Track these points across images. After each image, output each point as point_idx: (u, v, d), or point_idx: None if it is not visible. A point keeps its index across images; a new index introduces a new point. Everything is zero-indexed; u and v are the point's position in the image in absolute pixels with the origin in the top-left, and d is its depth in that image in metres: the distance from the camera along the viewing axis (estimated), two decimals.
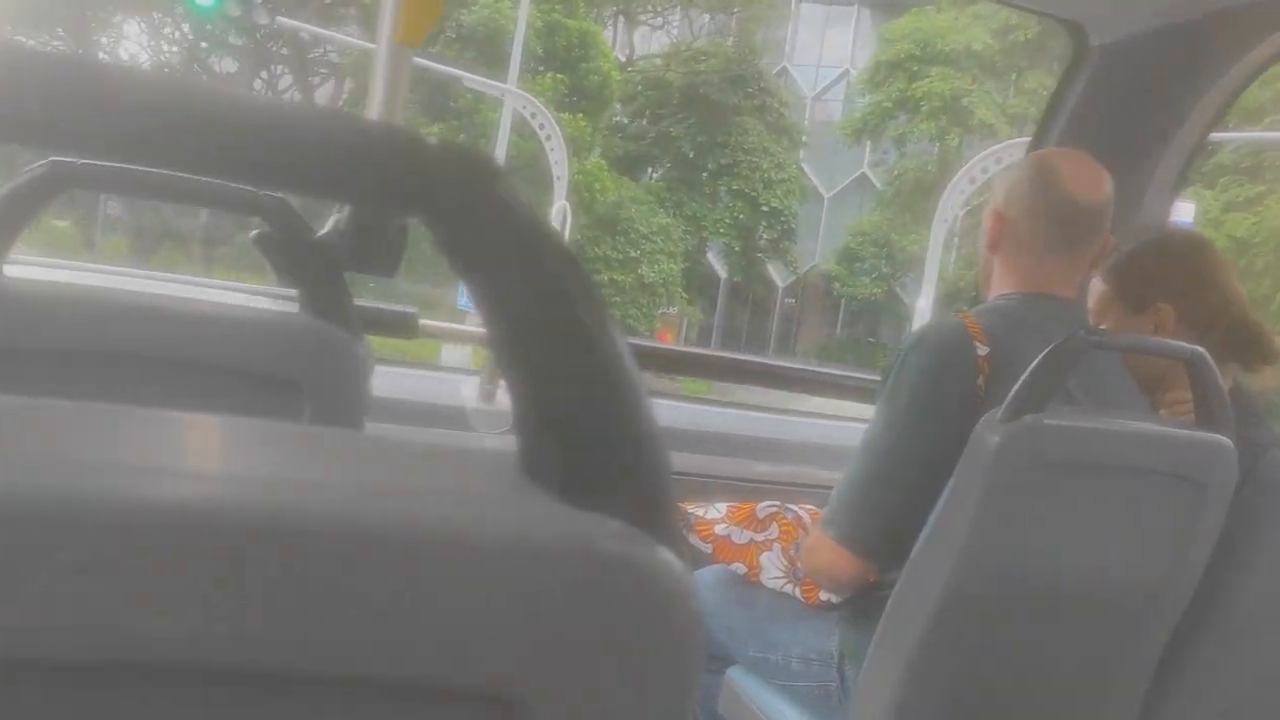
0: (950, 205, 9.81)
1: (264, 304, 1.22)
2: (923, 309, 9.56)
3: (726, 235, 20.64)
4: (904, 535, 1.28)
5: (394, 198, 0.38)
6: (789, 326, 23.74)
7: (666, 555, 0.38)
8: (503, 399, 1.90)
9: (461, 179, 0.38)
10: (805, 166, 22.35)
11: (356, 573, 0.35)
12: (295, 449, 0.45)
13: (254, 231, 1.24)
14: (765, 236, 21.06)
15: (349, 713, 0.37)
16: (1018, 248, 1.38)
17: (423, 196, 0.37)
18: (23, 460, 0.35)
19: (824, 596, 1.44)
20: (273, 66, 19.56)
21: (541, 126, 13.51)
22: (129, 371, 1.04)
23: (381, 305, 1.81)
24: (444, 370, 1.99)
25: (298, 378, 1.07)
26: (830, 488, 1.40)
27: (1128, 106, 1.94)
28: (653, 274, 18.58)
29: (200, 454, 0.42)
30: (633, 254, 18.43)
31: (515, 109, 14.31)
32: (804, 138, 22.18)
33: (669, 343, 18.54)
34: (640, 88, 21.11)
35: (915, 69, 19.43)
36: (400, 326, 1.80)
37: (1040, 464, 1.26)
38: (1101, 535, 1.33)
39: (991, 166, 9.92)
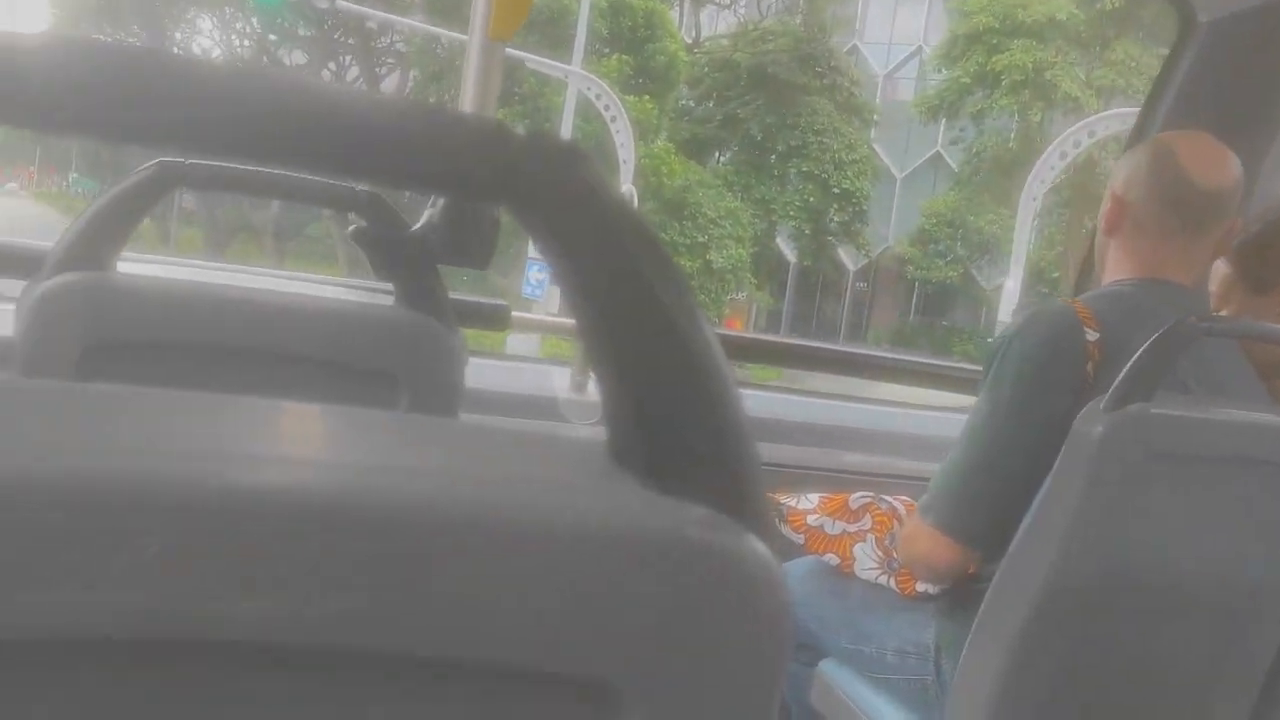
0: (1039, 182, 9.52)
1: (361, 298, 1.26)
2: (1010, 290, 9.34)
3: (796, 219, 20.44)
4: (1005, 525, 1.27)
5: (483, 188, 0.40)
6: (860, 311, 23.48)
7: (755, 543, 0.38)
8: (594, 390, 1.92)
9: (548, 168, 0.38)
10: (876, 147, 22.03)
11: (450, 557, 0.36)
12: (389, 436, 0.46)
13: (351, 227, 1.28)
14: (836, 219, 20.81)
15: (442, 695, 0.38)
16: (1135, 232, 1.36)
17: (510, 186, 0.38)
18: (124, 445, 0.37)
19: (920, 588, 1.44)
20: (341, 57, 19.87)
21: (607, 108, 13.50)
22: (231, 364, 1.07)
23: (473, 298, 1.85)
24: (515, 360, 2.01)
25: (394, 369, 1.10)
26: (924, 479, 1.40)
27: (1238, 84, 1.89)
28: (721, 259, 18.49)
29: (298, 441, 0.43)
30: (700, 239, 18.35)
31: (580, 91, 14.32)
32: (875, 117, 21.87)
33: (738, 329, 18.49)
34: (707, 70, 20.99)
35: (995, 42, 18.86)
36: (492, 318, 1.83)
37: (1147, 454, 1.24)
38: (1210, 529, 1.30)
39: (1084, 140, 9.62)
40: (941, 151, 22.59)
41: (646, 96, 17.71)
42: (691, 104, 21.19)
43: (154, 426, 0.41)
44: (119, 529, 0.33)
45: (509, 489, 0.38)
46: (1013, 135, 19.83)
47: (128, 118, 0.35)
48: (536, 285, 12.93)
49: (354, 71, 19.90)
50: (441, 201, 1.30)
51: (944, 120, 21.10)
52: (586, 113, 15.37)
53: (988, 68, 18.96)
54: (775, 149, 20.22)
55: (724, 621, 0.38)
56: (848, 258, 22.84)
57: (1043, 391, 1.28)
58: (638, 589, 0.37)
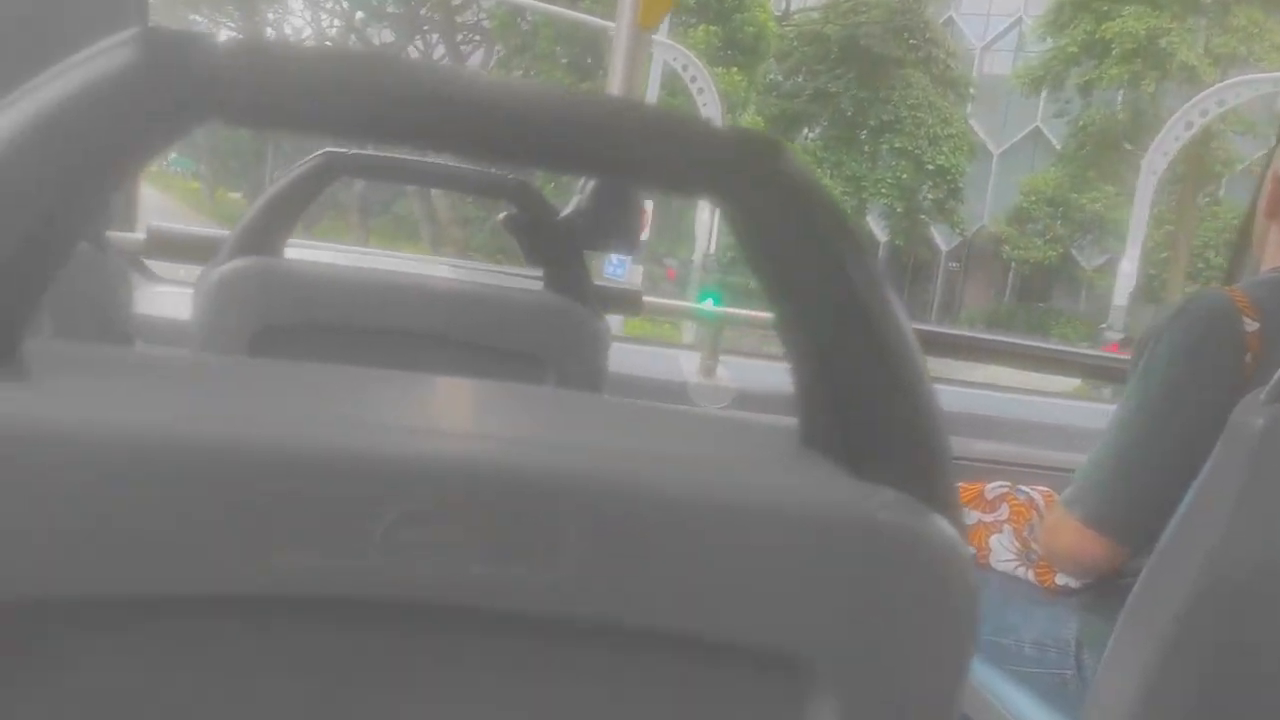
0: (1160, 154, 9.09)
1: (509, 282, 1.30)
2: (1126, 272, 8.98)
3: (888, 196, 20.11)
4: (1156, 519, 1.25)
5: (686, 182, 0.41)
6: (952, 292, 23.04)
7: (943, 525, 0.40)
8: (723, 375, 1.93)
9: (749, 161, 0.40)
10: (972, 122, 21.54)
11: (658, 532, 0.39)
12: (592, 416, 0.50)
13: (502, 214, 1.32)
14: (929, 197, 20.43)
15: (644, 663, 0.41)
16: None
17: (713, 179, 0.40)
18: (366, 420, 0.40)
19: (1060, 581, 1.42)
20: (427, 35, 20.12)
21: (694, 79, 13.38)
22: (390, 346, 1.13)
23: (608, 283, 1.88)
24: (638, 343, 2.04)
25: (541, 353, 1.15)
26: (1060, 469, 1.38)
27: None
28: None
29: (515, 418, 0.46)
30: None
31: (666, 61, 14.22)
32: (972, 91, 21.36)
33: None
34: (796, 43, 20.71)
35: (1105, 8, 18.10)
36: (625, 303, 1.86)
37: None
38: None
39: (1211, 108, 9.18)
40: (1041, 126, 21.99)
41: (734, 69, 17.56)
42: (780, 78, 20.95)
43: (378, 403, 0.44)
44: (364, 497, 0.36)
45: (712, 469, 0.40)
46: (1119, 107, 19.13)
47: (380, 120, 0.38)
48: (618, 264, 12.97)
49: (440, 50, 20.12)
50: (590, 188, 1.34)
51: (1045, 94, 20.50)
52: (672, 85, 15.28)
53: (1096, 36, 18.21)
54: (867, 124, 19.90)
55: (913, 601, 0.40)
56: (940, 237, 22.41)
57: (1197, 383, 1.25)
58: (831, 568, 0.39)
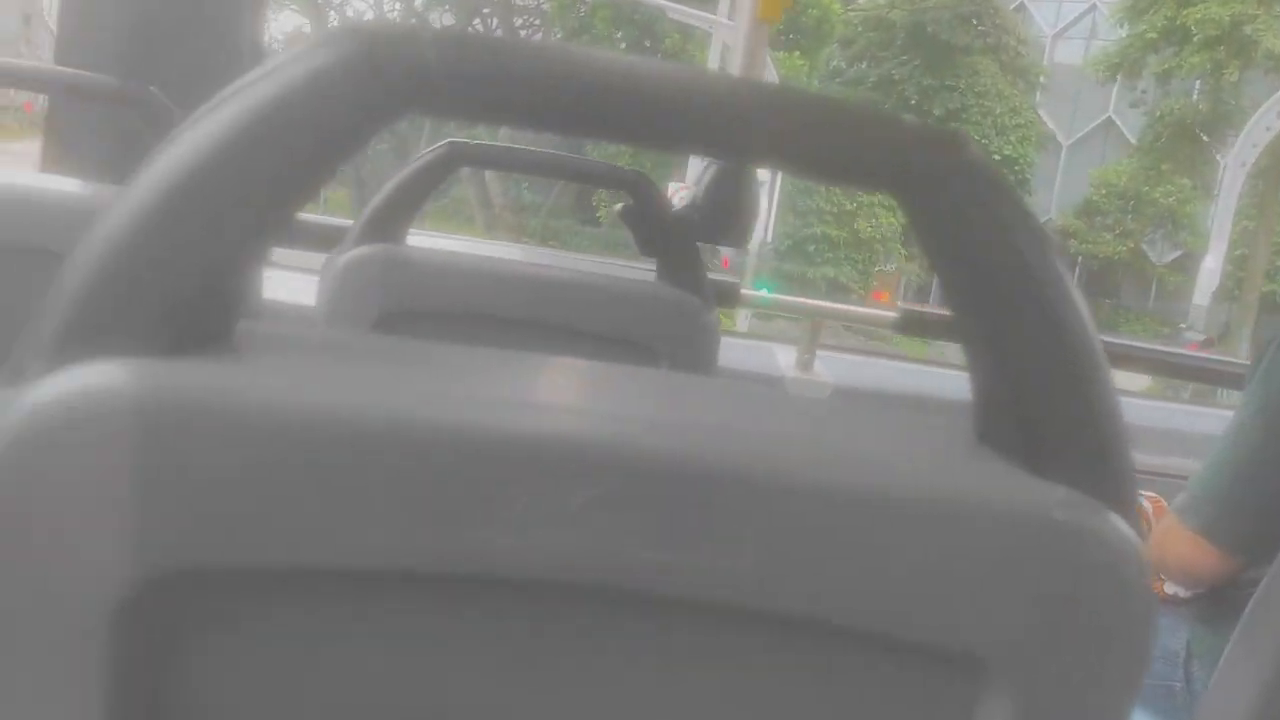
0: (1250, 145, 8.74)
1: (623, 273, 1.33)
2: (1209, 269, 8.66)
3: None
4: (1275, 529, 1.23)
5: (871, 176, 0.42)
6: None
7: (1121, 526, 0.40)
8: (819, 369, 1.94)
9: (937, 156, 0.41)
10: (1041, 112, 21.18)
11: (837, 525, 0.39)
12: (758, 406, 0.50)
13: (619, 205, 1.35)
14: None
15: (816, 656, 0.41)
16: None
17: (895, 172, 0.41)
18: (550, 403, 0.42)
19: (1170, 590, 1.40)
20: (487, 18, 20.22)
21: None
22: (508, 333, 1.16)
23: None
24: (735, 337, 2.06)
25: (654, 343, 1.17)
26: (1172, 475, 1.36)
27: None
28: (869, 229, 18.14)
29: (686, 406, 0.47)
30: (848, 206, 18.04)
31: (725, 44, 14.09)
32: (1042, 79, 20.99)
33: (885, 301, 18.11)
34: (860, 29, 20.47)
35: None
36: (722, 295, 1.87)
37: None
38: None
39: None
40: (1114, 117, 21.54)
41: (796, 53, 17.42)
42: (843, 65, 20.75)
43: (556, 388, 0.46)
44: (552, 480, 0.38)
45: (893, 465, 0.41)
46: (1195, 96, 18.61)
47: (581, 112, 0.39)
48: None
49: (499, 34, 20.19)
50: (705, 181, 1.36)
51: (1118, 84, 20.07)
52: (732, 70, 15.17)
53: (1177, 21, 17.58)
54: (932, 112, 19.62)
55: (1091, 601, 0.40)
56: None
57: None
58: (1009, 567, 0.40)
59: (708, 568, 0.39)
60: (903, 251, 19.66)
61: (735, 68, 1.60)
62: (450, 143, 1.20)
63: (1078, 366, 0.42)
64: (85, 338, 0.37)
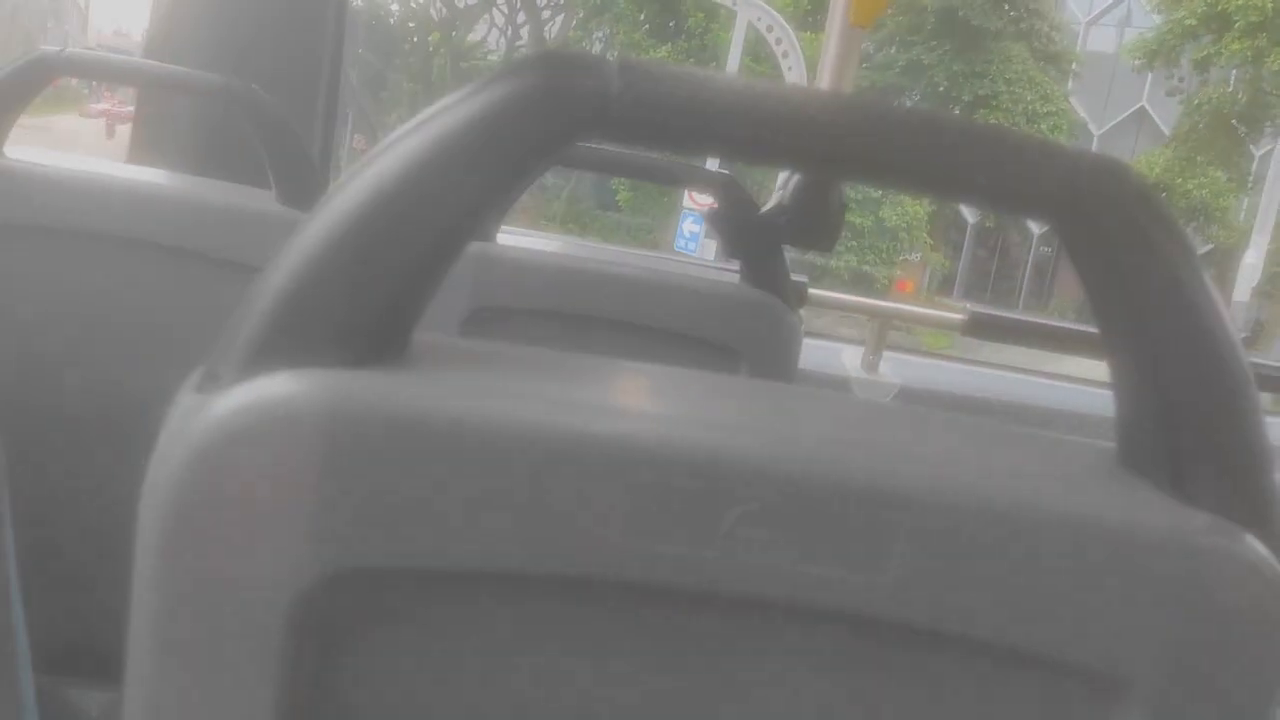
0: None
1: (707, 274, 1.33)
2: (1250, 265, 8.54)
3: None
4: None
5: (1035, 203, 0.42)
6: (1042, 279, 22.63)
7: (1264, 552, 0.41)
8: (885, 370, 1.93)
9: (1100, 184, 0.41)
10: (1073, 100, 21.06)
11: (981, 543, 0.40)
12: (904, 423, 0.51)
13: (708, 208, 1.35)
14: None
15: (961, 669, 0.42)
16: None
17: (1061, 201, 0.41)
18: (708, 419, 0.43)
19: None
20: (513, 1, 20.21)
21: (779, 42, 13.09)
22: (593, 332, 1.19)
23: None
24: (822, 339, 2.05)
25: (737, 344, 1.19)
26: None
27: None
28: (894, 216, 18.10)
29: (830, 424, 0.48)
30: (873, 194, 17.97)
31: (750, 23, 13.99)
32: (1075, 67, 20.87)
33: (909, 291, 18.08)
34: (890, 12, 20.37)
35: None
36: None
37: None
38: None
39: None
40: (1147, 107, 21.43)
41: (824, 33, 17.31)
42: (871, 49, 20.64)
43: (698, 402, 0.48)
44: (712, 494, 0.40)
45: (1038, 485, 0.42)
46: (1231, 84, 18.43)
47: (757, 142, 0.41)
48: (690, 238, 12.87)
49: (520, 17, 20.18)
50: (791, 184, 1.37)
51: (1151, 74, 19.92)
52: (757, 52, 15.15)
53: (1218, 8, 17.34)
54: (961, 99, 19.56)
55: (1232, 628, 0.41)
56: (1032, 220, 21.99)
57: None
58: (1150, 590, 0.40)
59: (851, 582, 0.40)
60: (928, 241, 19.61)
61: (823, 75, 1.57)
62: None
63: (1227, 392, 0.43)
64: (276, 349, 0.40)
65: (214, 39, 1.61)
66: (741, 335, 1.19)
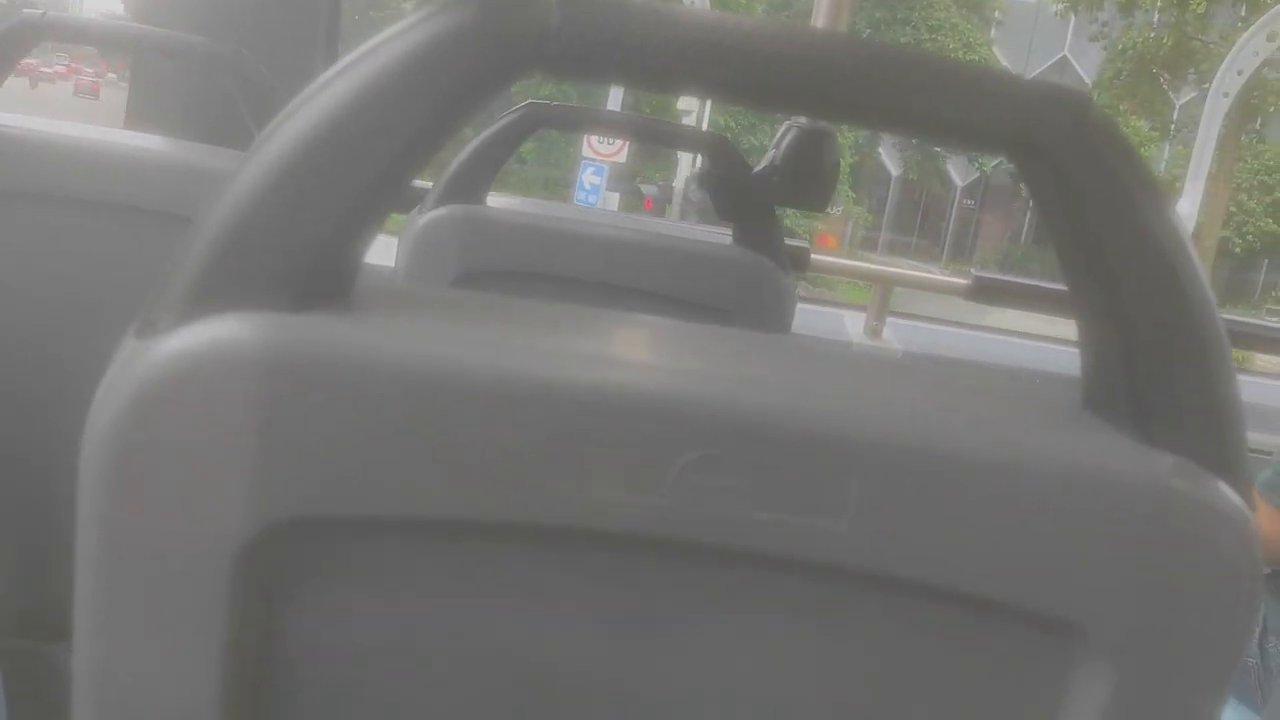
0: (1234, 73, 8.56)
1: (699, 236, 1.35)
2: (1186, 213, 8.56)
3: None
4: None
5: (986, 137, 0.42)
6: (967, 231, 23.08)
7: (1233, 497, 0.41)
8: (889, 336, 1.95)
9: (1057, 115, 0.41)
10: (996, 50, 21.39)
11: (940, 488, 0.40)
12: (862, 368, 0.52)
13: (696, 168, 1.36)
14: None
15: (919, 615, 0.43)
16: None
17: (1017, 134, 0.41)
18: (660, 363, 0.44)
19: None
20: None
21: None
22: (584, 295, 1.18)
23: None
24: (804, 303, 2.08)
25: (729, 306, 1.20)
26: (1254, 451, 1.40)
27: None
28: None
29: (790, 368, 0.49)
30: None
31: None
32: (997, 14, 21.19)
33: (831, 247, 18.24)
34: None
35: None
36: (792, 260, 1.87)
37: None
38: None
39: None
40: (1069, 55, 21.86)
41: None
42: None
43: (652, 347, 0.48)
44: (664, 439, 0.40)
45: (998, 428, 0.42)
46: (1157, 30, 18.78)
47: (696, 73, 0.41)
48: (590, 190, 12.48)
49: None
50: (784, 144, 1.37)
51: (1074, 21, 20.28)
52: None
53: None
54: None
55: (1197, 573, 0.41)
56: (956, 172, 22.38)
57: None
58: (1114, 535, 0.41)
59: (806, 528, 0.41)
60: (850, 194, 19.81)
61: (819, 11, 1.60)
62: (530, 104, 1.23)
63: (1194, 334, 0.43)
64: (213, 294, 0.40)
65: (205, 3, 1.62)
66: (734, 297, 1.20)
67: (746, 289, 1.21)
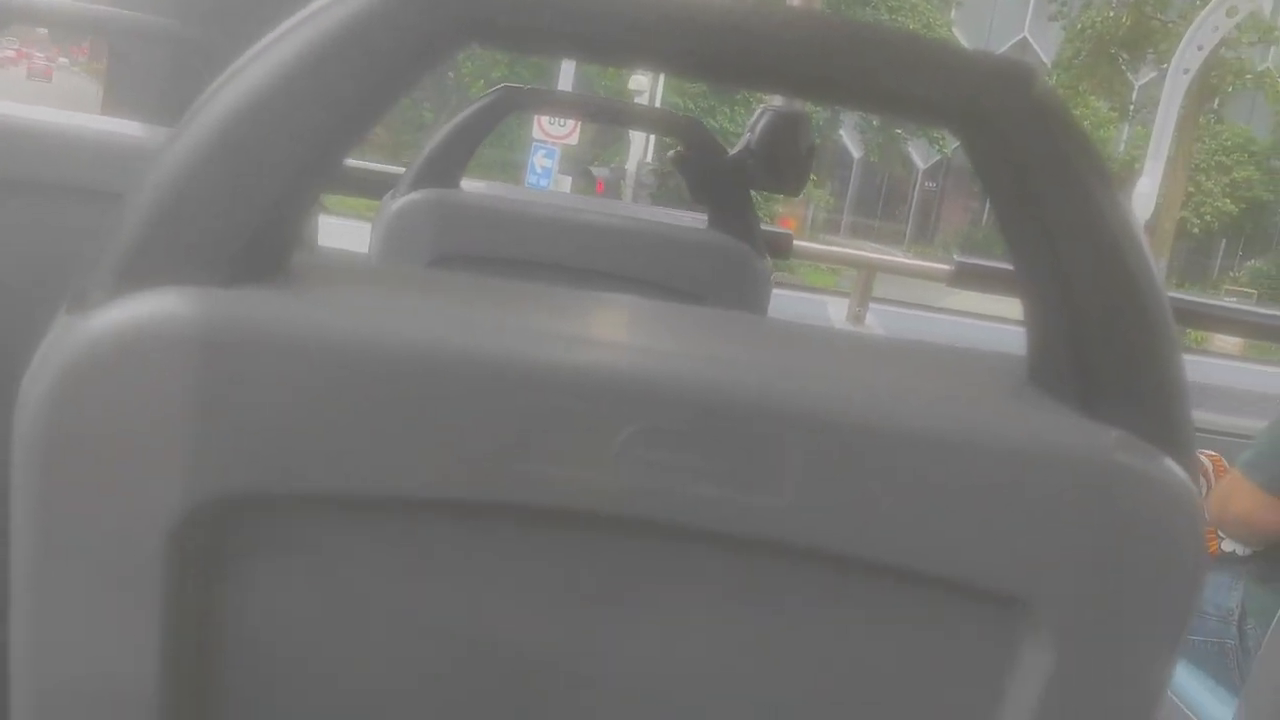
0: (1194, 48, 8.51)
1: (675, 220, 1.35)
2: (1146, 192, 8.52)
3: None
4: None
5: (929, 110, 0.43)
6: (928, 214, 23.25)
7: (1177, 470, 0.41)
8: (871, 321, 1.95)
9: (1002, 88, 0.41)
10: (956, 30, 21.53)
11: (881, 463, 0.41)
12: (811, 345, 0.51)
13: (671, 151, 1.36)
14: None
15: (861, 591, 0.43)
16: None
17: (960, 109, 0.41)
18: (602, 338, 0.44)
19: (1227, 548, 1.47)
20: None
21: None
22: (554, 279, 1.17)
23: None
24: (788, 289, 2.08)
25: (704, 291, 1.20)
26: (1233, 435, 1.42)
27: None
28: None
29: (735, 344, 0.49)
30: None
31: None
32: None
33: (792, 230, 18.30)
34: None
35: None
36: (775, 246, 1.88)
37: None
38: None
39: None
40: (1029, 37, 22.05)
41: None
42: None
43: (592, 321, 0.48)
44: (603, 414, 0.40)
45: (938, 403, 0.42)
46: (1116, 9, 18.92)
47: (633, 45, 0.41)
48: (542, 174, 12.44)
49: None
50: (759, 127, 1.37)
51: (1032, 1, 20.42)
52: None
53: None
54: None
55: (1142, 547, 0.41)
56: (917, 154, 22.53)
57: None
58: (1057, 509, 0.41)
59: (748, 503, 0.41)
60: (812, 177, 19.85)
61: None
62: (505, 87, 1.23)
63: (1138, 307, 0.43)
64: (145, 268, 0.39)
65: None
66: (709, 282, 1.20)
67: (722, 274, 1.22)
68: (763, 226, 1.87)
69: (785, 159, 1.41)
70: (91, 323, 0.39)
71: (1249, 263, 20.13)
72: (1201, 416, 1.93)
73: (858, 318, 1.97)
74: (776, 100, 1.49)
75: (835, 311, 2.00)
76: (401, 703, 0.44)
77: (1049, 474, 0.41)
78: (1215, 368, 2.13)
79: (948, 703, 0.44)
